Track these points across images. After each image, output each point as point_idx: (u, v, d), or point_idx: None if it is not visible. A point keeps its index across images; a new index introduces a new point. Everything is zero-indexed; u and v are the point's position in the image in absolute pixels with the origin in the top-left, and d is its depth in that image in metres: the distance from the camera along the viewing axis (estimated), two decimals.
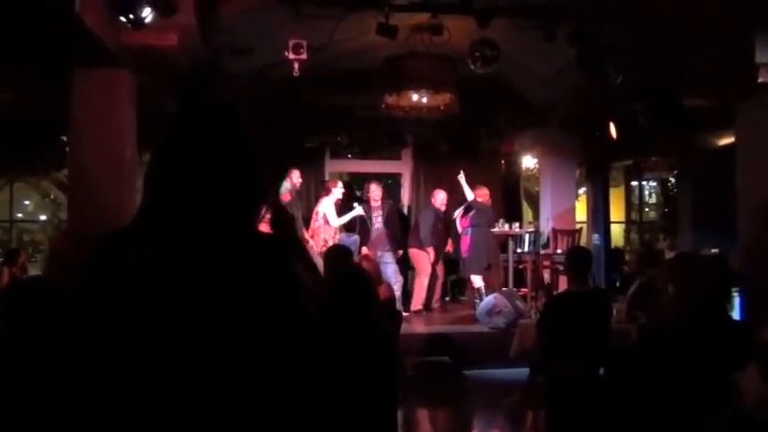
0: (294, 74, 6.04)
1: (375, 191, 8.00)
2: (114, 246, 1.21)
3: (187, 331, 1.13)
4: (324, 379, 1.41)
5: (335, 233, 7.69)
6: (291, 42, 5.88)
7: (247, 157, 1.26)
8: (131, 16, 4.27)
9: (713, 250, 7.75)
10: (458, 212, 8.25)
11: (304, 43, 5.87)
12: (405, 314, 7.51)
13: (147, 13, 4.31)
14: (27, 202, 11.50)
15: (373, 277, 4.41)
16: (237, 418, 1.13)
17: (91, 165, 5.12)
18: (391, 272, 7.64)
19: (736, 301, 5.92)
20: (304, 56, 5.90)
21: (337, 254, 4.37)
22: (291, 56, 5.90)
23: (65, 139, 6.71)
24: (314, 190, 9.42)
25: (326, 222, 7.55)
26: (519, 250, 8.51)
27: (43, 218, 11.45)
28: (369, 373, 2.49)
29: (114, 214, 4.93)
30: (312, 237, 7.46)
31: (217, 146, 1.23)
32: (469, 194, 8.11)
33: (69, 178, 5.70)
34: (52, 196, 11.41)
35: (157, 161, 1.26)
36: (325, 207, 7.60)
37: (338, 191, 7.78)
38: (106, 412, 1.13)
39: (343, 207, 7.97)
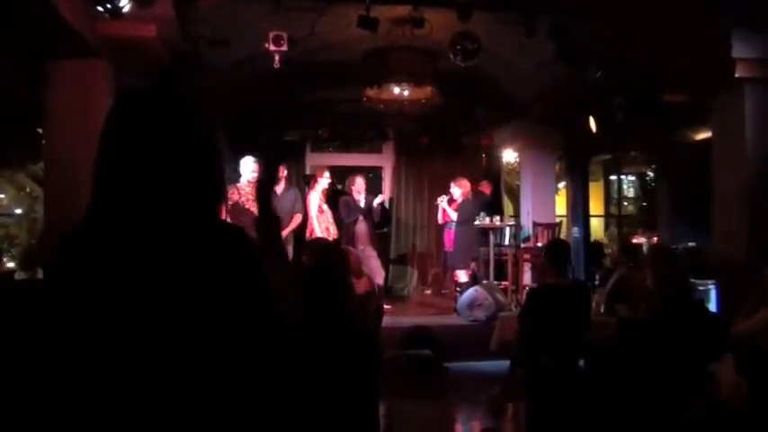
0: (275, 66, 5.99)
1: (360, 183, 8.02)
2: (70, 243, 1.17)
3: (147, 327, 1.10)
4: (292, 374, 1.40)
5: (334, 220, 7.74)
6: (272, 34, 5.83)
7: (200, 143, 1.21)
8: (108, 6, 4.21)
9: (690, 243, 7.86)
10: (442, 205, 8.23)
11: (284, 35, 5.83)
12: (387, 307, 7.55)
13: (125, 3, 4.25)
14: (2, 196, 11.30)
15: (353, 270, 4.42)
16: (204, 416, 1.11)
17: (67, 157, 5.03)
18: (374, 265, 7.65)
19: (713, 293, 6.00)
20: (285, 48, 5.86)
21: (318, 247, 4.37)
22: (272, 48, 5.85)
23: (40, 131, 6.59)
24: (294, 183, 9.38)
25: (321, 212, 7.62)
26: (501, 242, 8.56)
27: (19, 211, 11.26)
28: (345, 368, 2.48)
29: None
30: (312, 229, 7.49)
31: (164, 131, 1.19)
32: (453, 215, 8.10)
33: (45, 171, 5.61)
34: (28, 189, 11.22)
35: (102, 149, 1.21)
36: (312, 199, 7.64)
37: (324, 180, 7.81)
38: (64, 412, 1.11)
39: (327, 198, 8.01)
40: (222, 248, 1.16)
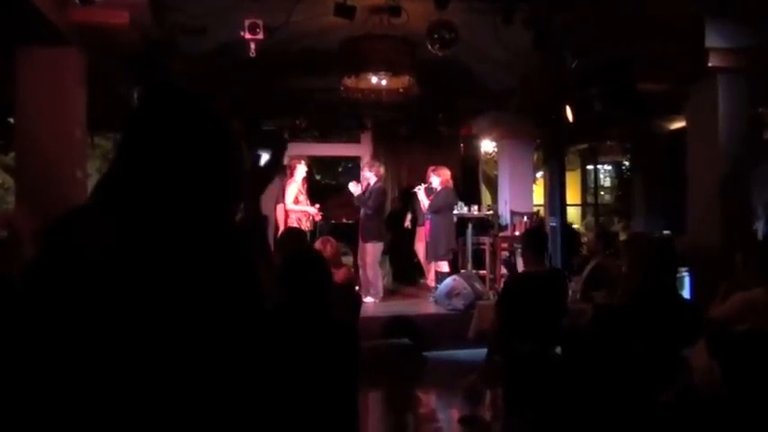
0: (251, 54, 5.92)
1: (362, 174, 8.14)
2: (68, 228, 1.16)
3: (140, 319, 1.09)
4: (276, 366, 1.39)
5: (309, 214, 7.74)
6: (247, 22, 5.77)
7: (220, 144, 1.22)
8: None
9: (665, 232, 7.97)
10: (421, 194, 8.23)
11: (260, 23, 5.76)
12: (368, 300, 7.55)
13: None
14: None
15: (331, 260, 4.41)
16: (191, 407, 1.10)
17: (39, 147, 4.95)
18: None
19: (687, 280, 6.10)
20: (260, 36, 5.79)
21: (291, 237, 4.35)
22: (248, 35, 5.78)
23: (12, 120, 6.47)
24: None
25: (296, 202, 7.64)
26: (479, 231, 8.60)
27: None
28: (325, 359, 2.47)
29: (64, 198, 4.79)
30: (286, 218, 7.49)
31: (188, 132, 1.19)
32: (426, 203, 8.11)
33: (17, 161, 5.51)
34: (0, 181, 11.05)
35: (124, 144, 1.21)
36: (291, 189, 7.65)
37: (302, 168, 7.81)
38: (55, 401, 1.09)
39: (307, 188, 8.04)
40: (216, 246, 1.16)
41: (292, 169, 7.79)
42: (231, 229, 1.24)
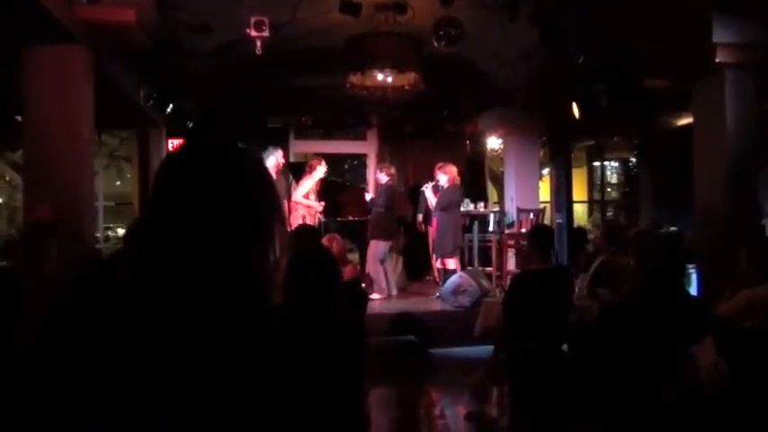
0: (257, 52, 5.93)
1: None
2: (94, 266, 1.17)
3: (143, 325, 1.10)
4: (282, 366, 1.40)
5: (315, 211, 7.76)
6: (253, 19, 5.77)
7: (252, 200, 1.21)
8: None
9: (672, 228, 7.94)
10: (428, 192, 8.23)
11: (266, 20, 5.77)
12: (374, 296, 7.56)
13: None
14: None
15: (338, 258, 4.42)
16: (195, 408, 1.11)
17: (47, 145, 4.98)
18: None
19: (693, 277, 6.08)
20: (266, 33, 5.80)
21: (303, 234, 4.36)
22: (253, 33, 5.79)
23: (19, 118, 6.51)
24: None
25: (306, 197, 7.68)
26: (486, 228, 8.60)
27: None
28: (331, 356, 2.48)
29: (71, 195, 4.82)
30: (291, 212, 7.52)
31: (228, 186, 1.18)
32: (433, 201, 8.11)
33: (24, 159, 5.54)
34: (8, 178, 11.13)
35: (156, 196, 1.20)
36: (305, 185, 7.68)
37: (322, 169, 7.83)
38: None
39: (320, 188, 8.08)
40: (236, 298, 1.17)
41: (312, 168, 7.81)
42: (254, 278, 1.22)
